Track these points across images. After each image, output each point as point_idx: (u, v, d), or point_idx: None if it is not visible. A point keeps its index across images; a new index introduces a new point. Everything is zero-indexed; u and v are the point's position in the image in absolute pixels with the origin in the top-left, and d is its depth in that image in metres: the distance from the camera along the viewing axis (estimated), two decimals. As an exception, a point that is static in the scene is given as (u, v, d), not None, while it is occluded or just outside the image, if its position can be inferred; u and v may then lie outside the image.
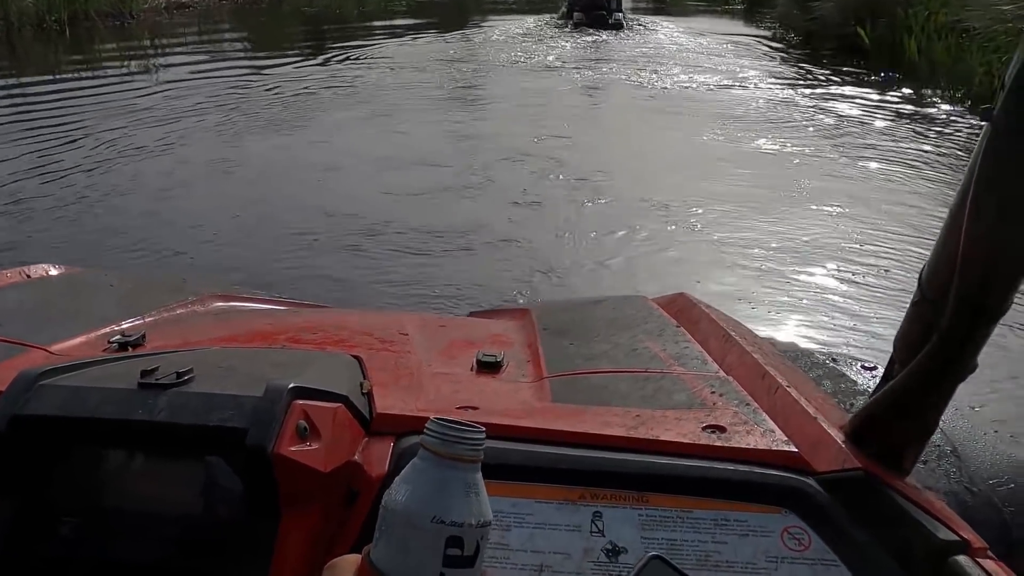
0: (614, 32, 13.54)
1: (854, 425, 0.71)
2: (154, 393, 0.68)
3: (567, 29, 14.23)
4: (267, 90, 8.59)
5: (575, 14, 14.22)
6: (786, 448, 0.70)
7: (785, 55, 11.38)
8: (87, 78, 9.51)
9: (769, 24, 14.85)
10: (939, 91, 8.21)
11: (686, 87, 9.09)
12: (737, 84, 9.10)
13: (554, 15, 15.71)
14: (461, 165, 5.72)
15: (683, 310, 1.15)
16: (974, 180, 0.56)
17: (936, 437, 0.96)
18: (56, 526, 0.68)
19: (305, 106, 7.82)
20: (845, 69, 9.85)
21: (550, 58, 11.39)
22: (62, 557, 0.67)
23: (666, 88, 9.02)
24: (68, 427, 0.67)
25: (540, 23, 15.24)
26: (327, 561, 0.51)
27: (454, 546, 0.41)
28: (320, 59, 10.92)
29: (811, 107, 7.82)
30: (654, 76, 9.62)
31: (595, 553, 0.65)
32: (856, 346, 3.00)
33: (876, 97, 8.20)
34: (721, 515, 0.66)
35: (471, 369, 0.93)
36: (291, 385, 0.68)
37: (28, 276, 1.26)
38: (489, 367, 0.93)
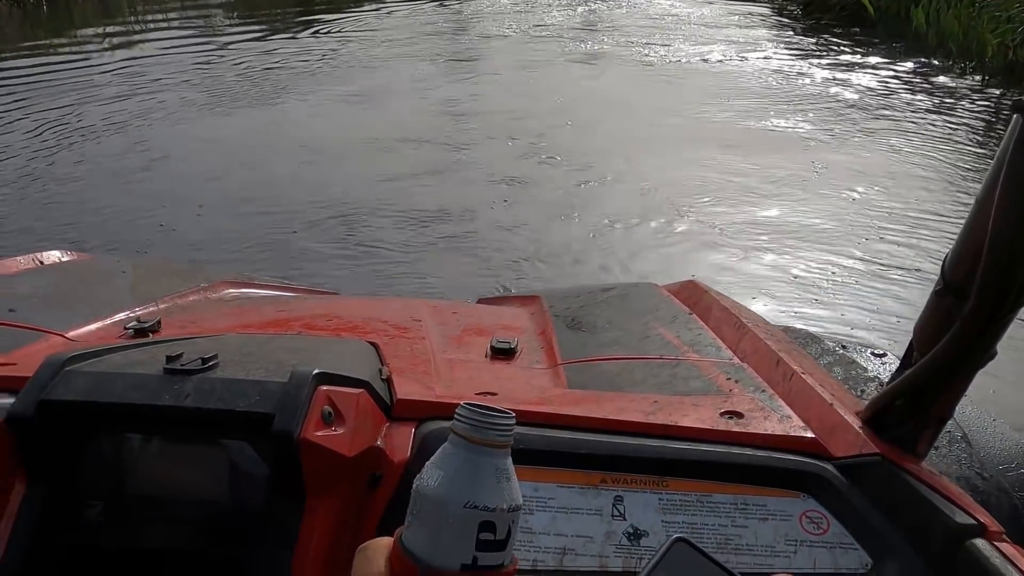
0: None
1: (871, 411, 0.71)
2: (180, 379, 0.68)
3: None
4: (244, 64, 8.21)
5: None
6: (803, 434, 0.71)
7: (786, 26, 10.87)
8: (51, 53, 9.12)
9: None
10: (949, 63, 7.73)
11: (685, 59, 8.67)
12: (737, 56, 8.69)
13: None
14: (452, 145, 5.42)
15: (693, 297, 1.14)
16: (1003, 171, 0.56)
17: (947, 423, 0.94)
18: (83, 512, 0.68)
19: (291, 80, 7.44)
20: (849, 40, 9.38)
21: (543, 28, 10.91)
22: (89, 542, 0.67)
23: (665, 60, 8.60)
24: (95, 412, 0.67)
25: None
26: (352, 543, 0.57)
27: (486, 530, 0.42)
28: (310, 30, 10.49)
29: (817, 81, 7.43)
30: (651, 48, 9.18)
31: (617, 536, 0.66)
32: (873, 328, 2.94)
33: (884, 71, 7.77)
34: (741, 499, 0.66)
35: (485, 355, 0.94)
36: (316, 371, 0.68)
37: (41, 262, 1.27)
38: (503, 353, 0.93)
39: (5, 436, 0.67)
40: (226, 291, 1.33)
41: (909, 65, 7.85)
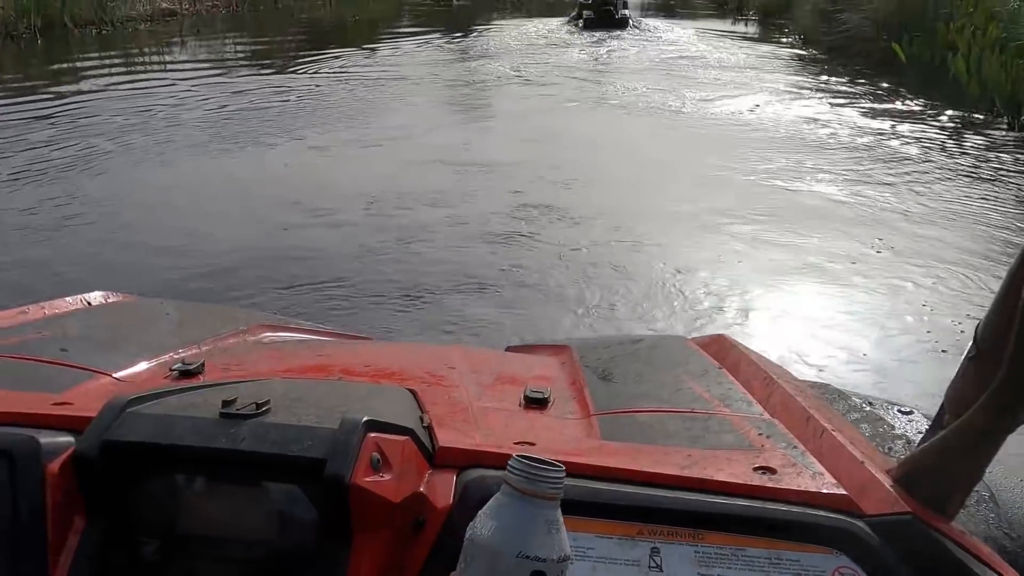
0: (620, 33, 14.11)
1: (903, 470, 0.72)
2: (236, 423, 0.71)
3: (576, 34, 14.67)
4: (234, 107, 7.74)
5: (584, 12, 15.32)
6: (836, 490, 0.72)
7: (813, 71, 10.39)
8: (40, 88, 8.69)
9: (788, 35, 13.97)
10: (993, 115, 7.19)
11: (706, 106, 8.16)
12: (763, 104, 8.20)
13: (563, 18, 16.36)
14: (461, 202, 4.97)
15: (722, 351, 1.15)
16: None
17: None
18: (139, 549, 0.70)
19: (265, 125, 6.95)
20: (880, 88, 8.90)
21: (560, 69, 10.45)
22: None
23: (686, 107, 8.08)
24: (155, 454, 0.70)
25: (551, 27, 15.40)
26: None
27: None
28: (308, 70, 10.07)
29: (855, 134, 6.93)
30: (669, 94, 8.65)
31: None
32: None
33: (926, 123, 7.24)
34: (775, 554, 0.67)
35: (519, 404, 0.95)
36: (365, 419, 0.70)
37: (89, 304, 1.31)
38: (537, 403, 0.95)
39: (69, 474, 0.70)
40: (264, 334, 1.36)
41: (951, 117, 7.33)
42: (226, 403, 0.72)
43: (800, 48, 12.59)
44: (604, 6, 15.11)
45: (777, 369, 1.09)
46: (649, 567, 0.67)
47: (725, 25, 17.32)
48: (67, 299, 1.29)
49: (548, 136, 6.74)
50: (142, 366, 1.01)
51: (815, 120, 7.46)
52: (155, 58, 11.67)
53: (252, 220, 4.65)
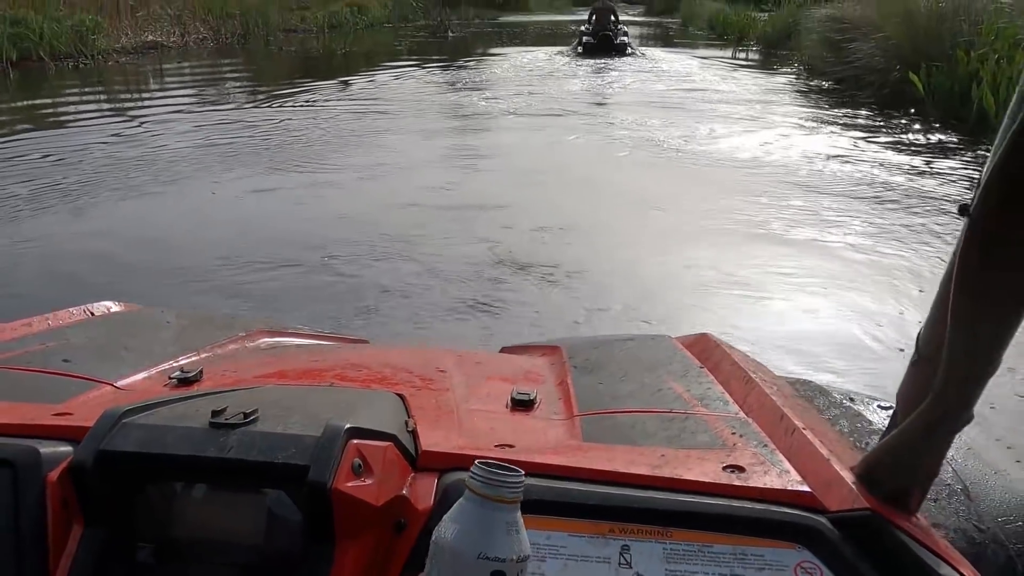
0: (621, 64, 13.97)
1: (863, 467, 0.75)
2: (224, 432, 0.73)
3: (575, 60, 14.65)
4: (187, 143, 7.09)
5: (585, 38, 15.63)
6: (800, 488, 0.74)
7: (823, 104, 9.70)
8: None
9: (792, 66, 13.38)
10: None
11: (711, 143, 7.47)
12: (772, 140, 7.50)
13: (560, 47, 16.68)
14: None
15: (706, 350, 1.17)
16: (955, 270, 0.59)
17: (948, 476, 0.96)
18: (135, 554, 0.73)
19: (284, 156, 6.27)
20: (898, 122, 8.20)
21: (556, 101, 9.83)
22: None
23: (689, 145, 7.36)
24: (148, 463, 0.73)
25: (548, 55, 15.23)
26: None
27: None
28: (283, 104, 9.46)
29: (882, 174, 6.15)
30: (671, 130, 7.94)
31: None
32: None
33: (957, 158, 6.50)
34: (740, 550, 0.70)
35: (506, 406, 0.98)
36: (347, 426, 0.73)
37: (92, 313, 1.34)
38: (523, 405, 0.97)
39: (67, 483, 0.73)
40: (262, 339, 1.39)
41: (979, 155, 6.60)
42: (216, 412, 0.75)
43: (807, 79, 11.96)
44: (603, 31, 15.34)
45: (758, 367, 1.11)
46: (619, 564, 0.69)
47: (726, 55, 16.81)
48: (71, 310, 1.32)
49: (540, 179, 6.02)
50: (142, 375, 1.05)
51: (836, 158, 6.75)
52: (124, 93, 11.12)
53: (155, 283, 3.92)
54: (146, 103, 9.95)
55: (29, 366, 1.02)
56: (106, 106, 9.93)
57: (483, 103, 9.77)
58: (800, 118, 8.73)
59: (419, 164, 6.46)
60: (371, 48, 18.13)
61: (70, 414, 0.84)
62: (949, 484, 0.97)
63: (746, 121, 8.47)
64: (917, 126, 7.88)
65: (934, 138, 7.38)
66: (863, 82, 9.93)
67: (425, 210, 5.12)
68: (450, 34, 22.77)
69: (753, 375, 1.01)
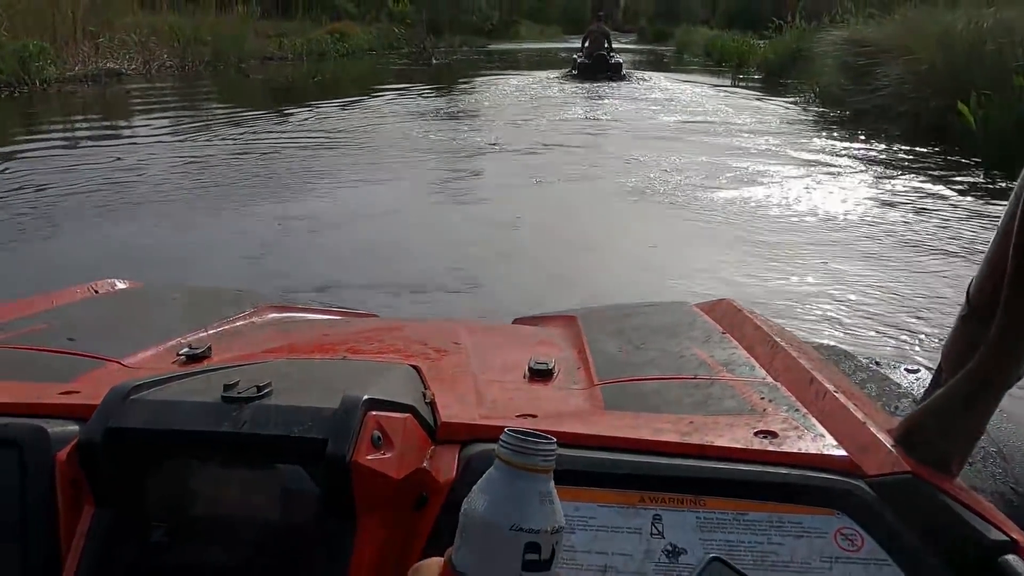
0: (616, 92, 13.50)
1: (902, 430, 0.72)
2: (237, 406, 0.71)
3: (569, 83, 14.50)
4: (120, 178, 6.02)
5: (580, 60, 15.56)
6: (836, 452, 0.71)
7: (848, 140, 8.51)
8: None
9: (802, 95, 12.33)
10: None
11: (721, 187, 6.30)
12: (791, 181, 6.32)
13: (551, 71, 16.64)
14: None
15: (727, 315, 1.15)
16: (1017, 223, 0.58)
17: (982, 439, 0.89)
18: (148, 533, 0.70)
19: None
20: (950, 160, 7.03)
21: (546, 135, 8.70)
22: (153, 562, 0.70)
23: (698, 191, 6.15)
24: (158, 439, 0.70)
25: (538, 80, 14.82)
26: (399, 561, 0.65)
27: (532, 551, 0.45)
28: (239, 137, 8.33)
29: (930, 226, 4.98)
30: (675, 174, 6.72)
31: (656, 554, 0.67)
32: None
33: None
34: (776, 517, 0.67)
35: (523, 376, 0.95)
36: (365, 397, 0.70)
37: (96, 291, 1.32)
38: (541, 375, 0.95)
39: (76, 462, 0.71)
40: (270, 315, 1.36)
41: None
42: (228, 387, 0.72)
43: (823, 108, 10.86)
44: (598, 51, 15.25)
45: (782, 331, 1.09)
46: (651, 534, 0.67)
47: (726, 83, 15.83)
48: (74, 288, 1.29)
49: (526, 234, 4.90)
50: (149, 352, 1.02)
51: (876, 202, 5.59)
52: (43, 125, 9.88)
53: None
54: (86, 136, 8.78)
55: (33, 345, 1.00)
56: (36, 140, 8.73)
57: (471, 137, 8.61)
58: (829, 153, 7.56)
59: (375, 214, 5.32)
60: (346, 75, 17.12)
61: (77, 392, 0.82)
62: (984, 447, 0.94)
63: (770, 160, 7.30)
64: (970, 167, 6.71)
65: (994, 184, 6.21)
66: (891, 113, 8.76)
67: (380, 262, 4.01)
68: (434, 61, 21.90)
69: (778, 339, 0.99)
